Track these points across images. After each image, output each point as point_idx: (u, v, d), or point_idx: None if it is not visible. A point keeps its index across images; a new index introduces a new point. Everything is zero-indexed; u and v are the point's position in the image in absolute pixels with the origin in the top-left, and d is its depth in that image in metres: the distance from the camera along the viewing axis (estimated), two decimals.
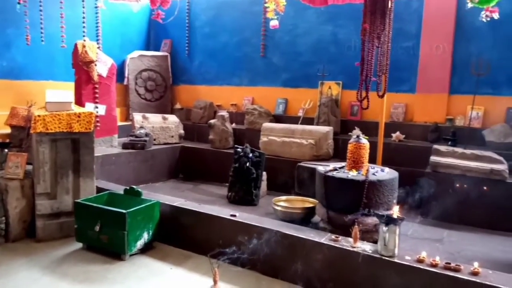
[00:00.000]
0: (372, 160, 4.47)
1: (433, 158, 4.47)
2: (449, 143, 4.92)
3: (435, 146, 4.60)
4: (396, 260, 2.66)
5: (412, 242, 3.63)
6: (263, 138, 5.74)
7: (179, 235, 3.61)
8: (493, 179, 4.15)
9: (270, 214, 4.27)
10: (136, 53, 7.39)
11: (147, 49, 7.84)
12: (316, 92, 6.31)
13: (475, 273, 2.50)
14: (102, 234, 3.34)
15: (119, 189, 4.06)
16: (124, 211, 3.24)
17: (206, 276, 2.99)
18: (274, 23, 5.60)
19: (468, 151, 4.38)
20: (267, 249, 2.98)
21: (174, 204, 3.66)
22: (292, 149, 5.44)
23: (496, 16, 3.95)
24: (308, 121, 6.09)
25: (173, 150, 6.29)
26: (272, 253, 3.00)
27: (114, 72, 5.86)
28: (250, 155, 4.86)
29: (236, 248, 2.92)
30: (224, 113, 6.33)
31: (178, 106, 7.68)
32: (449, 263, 2.57)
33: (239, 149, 4.96)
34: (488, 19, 3.96)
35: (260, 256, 2.98)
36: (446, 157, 4.45)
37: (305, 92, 6.46)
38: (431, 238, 3.84)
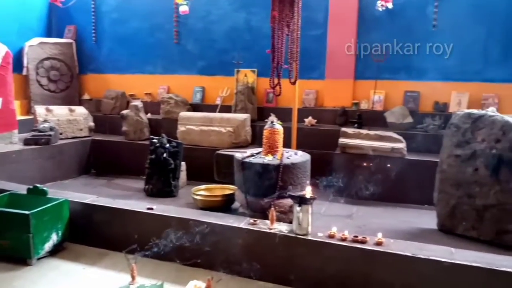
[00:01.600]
0: (287, 144, 4.66)
1: (342, 140, 4.77)
2: (356, 125, 5.28)
3: (343, 129, 4.91)
4: (309, 238, 2.80)
5: (325, 220, 3.86)
6: (181, 128, 5.64)
7: (93, 233, 3.41)
8: (394, 157, 4.56)
9: (190, 204, 4.23)
10: (36, 40, 6.74)
11: (49, 36, 7.20)
12: (233, 80, 6.34)
13: (379, 243, 2.73)
14: (1, 239, 3.03)
15: (22, 189, 3.71)
16: (27, 212, 2.97)
17: (123, 272, 2.88)
18: (184, 8, 5.48)
19: (372, 132, 4.74)
20: (187, 239, 2.95)
21: (86, 201, 3.45)
22: (211, 138, 5.43)
23: (390, 5, 4.29)
24: (226, 109, 6.11)
25: (83, 144, 5.90)
26: (192, 243, 2.98)
27: (10, 61, 5.28)
28: (167, 145, 4.75)
29: (155, 241, 2.85)
30: (137, 103, 6.08)
31: (86, 96, 7.20)
32: (357, 236, 2.78)
33: (155, 140, 4.82)
34: (384, 8, 4.28)
35: (180, 247, 2.95)
36: (353, 138, 4.77)
37: (222, 80, 6.46)
38: (342, 215, 4.12)
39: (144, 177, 4.92)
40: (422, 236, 3.50)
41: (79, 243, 3.40)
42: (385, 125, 5.23)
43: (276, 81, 3.69)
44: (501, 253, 3.01)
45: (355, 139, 4.78)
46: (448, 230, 3.53)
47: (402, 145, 4.56)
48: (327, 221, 3.83)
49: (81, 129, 6.00)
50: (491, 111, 4.18)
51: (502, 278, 2.42)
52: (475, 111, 3.52)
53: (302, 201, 2.81)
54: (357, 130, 4.88)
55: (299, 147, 4.73)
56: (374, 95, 5.55)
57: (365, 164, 4.64)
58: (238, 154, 3.77)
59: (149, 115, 6.29)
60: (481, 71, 5.20)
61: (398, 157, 4.55)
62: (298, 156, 3.73)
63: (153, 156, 4.77)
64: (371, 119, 5.43)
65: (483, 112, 3.45)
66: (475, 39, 5.17)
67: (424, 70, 5.42)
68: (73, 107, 6.13)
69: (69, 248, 3.32)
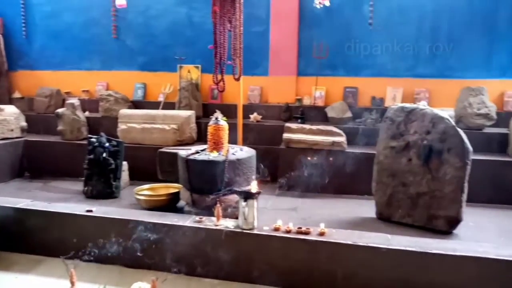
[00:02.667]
0: (234, 140, 4.66)
1: (286, 135, 4.86)
2: (299, 120, 5.41)
3: (287, 124, 5.00)
4: (255, 232, 2.83)
5: (272, 214, 3.91)
6: (122, 126, 5.44)
7: (27, 240, 3.20)
8: (335, 150, 4.72)
9: (134, 205, 4.10)
10: None
11: None
12: (176, 76, 6.22)
13: (321, 234, 2.82)
14: None
15: None
16: None
17: (62, 278, 2.73)
18: (120, 2, 5.28)
19: (314, 127, 4.88)
20: (130, 240, 2.86)
21: (18, 206, 3.22)
22: (154, 136, 5.29)
23: (327, 3, 4.42)
24: (169, 106, 5.97)
25: (14, 145, 5.50)
26: (135, 244, 2.89)
27: None
28: (107, 144, 4.55)
29: (95, 244, 2.72)
30: (74, 100, 5.77)
31: (17, 95, 6.72)
32: (301, 228, 2.85)
33: (93, 139, 4.60)
34: (322, 5, 4.40)
35: (122, 249, 2.85)
36: (296, 133, 4.88)
37: (164, 76, 6.31)
38: (288, 208, 4.20)
39: (83, 178, 4.69)
40: (362, 224, 3.67)
41: (11, 251, 3.17)
42: (326, 120, 5.41)
43: (219, 77, 3.67)
44: (432, 237, 3.24)
45: (299, 133, 4.89)
46: (386, 218, 3.74)
47: (342, 138, 4.74)
48: (273, 214, 3.88)
49: (12, 130, 5.58)
50: (422, 104, 4.49)
51: (434, 261, 2.61)
52: (407, 105, 3.74)
53: (247, 196, 2.83)
54: (300, 125, 5.00)
55: (245, 143, 4.76)
56: (316, 91, 5.71)
57: (308, 158, 4.77)
58: (183, 152, 3.71)
59: (87, 113, 6.00)
60: (413, 68, 5.55)
61: (339, 150, 4.72)
62: (243, 152, 3.74)
63: (91, 156, 4.55)
64: (314, 114, 5.59)
65: (414, 105, 3.68)
66: (407, 37, 5.49)
67: (361, 66, 5.67)
68: (2, 106, 5.68)
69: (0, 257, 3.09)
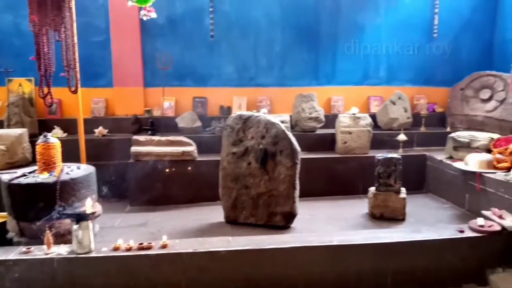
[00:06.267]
0: (76, 158, 4.32)
1: (134, 148, 4.71)
2: (149, 132, 5.30)
3: (135, 137, 4.85)
4: (92, 255, 2.67)
5: (119, 232, 3.73)
6: None
7: None
8: (186, 160, 4.76)
9: None
10: None
11: None
12: (4, 91, 5.49)
13: (164, 246, 2.82)
14: None
15: None
16: None
17: None
18: None
19: (163, 138, 4.84)
20: None
21: None
22: None
23: (154, 15, 4.45)
24: None
25: None
26: None
27: None
28: None
29: None
30: None
31: None
32: (142, 244, 2.80)
33: None
34: (148, 17, 4.42)
35: None
36: (145, 145, 4.77)
37: None
38: (137, 224, 4.07)
39: None
40: (211, 230, 3.77)
41: None
42: (177, 130, 5.42)
43: (46, 90, 3.36)
44: (273, 233, 3.53)
45: (148, 146, 4.79)
46: (232, 221, 3.91)
47: (192, 148, 4.81)
48: (121, 233, 3.72)
49: None
50: (263, 112, 4.86)
51: (268, 255, 2.83)
52: (244, 112, 4.00)
53: (80, 218, 2.65)
54: (149, 137, 4.90)
55: (90, 159, 4.45)
56: (165, 101, 5.69)
57: (159, 170, 4.71)
58: (6, 176, 3.27)
59: None
60: (255, 77, 5.96)
61: (189, 159, 4.77)
62: (80, 170, 3.48)
63: None
64: (164, 125, 5.54)
65: (250, 113, 3.95)
66: (247, 49, 5.87)
67: (208, 77, 5.86)
68: None
69: None
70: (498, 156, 4.03)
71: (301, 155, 3.82)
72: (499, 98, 5.37)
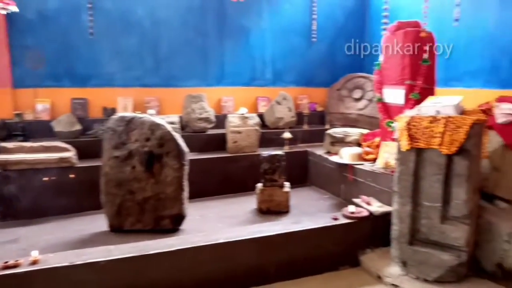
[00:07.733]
0: None
1: (1, 157, 4.18)
2: (20, 138, 4.76)
3: (2, 144, 4.32)
4: None
5: None
6: None
7: None
8: (64, 167, 4.38)
9: None
10: None
11: None
12: None
13: (34, 262, 2.55)
14: None
15: None
16: None
17: None
18: None
19: (36, 144, 4.39)
20: None
21: None
22: None
23: (13, 8, 4.05)
24: None
25: None
26: None
27: None
28: None
29: None
30: None
31: None
32: (7, 262, 2.50)
33: None
34: (7, 11, 4.01)
35: None
36: (15, 153, 4.28)
37: None
38: (6, 241, 3.62)
39: None
40: (93, 240, 3.53)
41: None
42: (53, 135, 4.96)
43: None
44: (161, 237, 3.43)
45: (18, 153, 4.30)
46: (117, 229, 3.72)
47: (70, 153, 4.45)
48: None
49: None
50: (150, 113, 4.70)
51: (152, 260, 2.75)
52: (127, 114, 3.82)
53: None
54: (19, 144, 4.40)
55: None
56: (38, 104, 5.16)
57: (33, 179, 4.26)
58: None
59: None
60: (141, 77, 5.74)
61: (68, 166, 4.40)
62: None
63: None
64: (39, 130, 5.03)
65: (133, 114, 3.79)
66: (131, 48, 5.62)
67: (89, 77, 5.47)
68: None
69: None
70: (367, 149, 4.51)
71: (193, 156, 3.80)
72: (369, 97, 6.01)
